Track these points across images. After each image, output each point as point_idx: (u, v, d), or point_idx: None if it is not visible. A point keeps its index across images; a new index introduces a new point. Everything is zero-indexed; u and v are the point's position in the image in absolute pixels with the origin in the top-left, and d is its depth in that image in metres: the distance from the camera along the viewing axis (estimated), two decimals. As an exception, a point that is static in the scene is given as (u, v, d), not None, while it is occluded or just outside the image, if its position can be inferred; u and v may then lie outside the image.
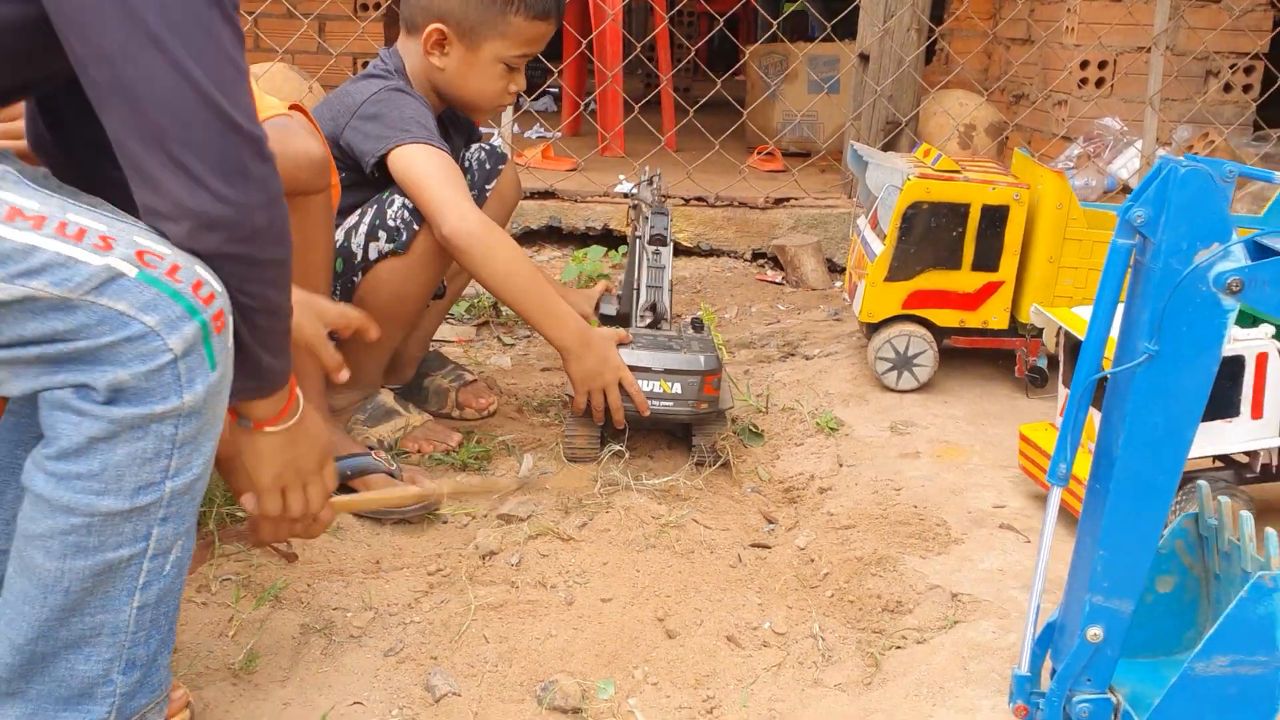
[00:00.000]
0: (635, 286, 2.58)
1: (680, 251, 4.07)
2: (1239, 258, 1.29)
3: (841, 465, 2.46)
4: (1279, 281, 1.28)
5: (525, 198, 4.00)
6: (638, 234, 2.68)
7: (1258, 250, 1.32)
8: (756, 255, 4.10)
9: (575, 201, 4.05)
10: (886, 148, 3.77)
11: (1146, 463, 1.35)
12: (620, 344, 2.30)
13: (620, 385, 2.26)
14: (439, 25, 2.34)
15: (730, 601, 1.91)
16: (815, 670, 1.73)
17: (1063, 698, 1.44)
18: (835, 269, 3.91)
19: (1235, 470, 2.08)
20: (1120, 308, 1.38)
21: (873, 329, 2.78)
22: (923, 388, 2.77)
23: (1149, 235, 1.32)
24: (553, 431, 2.54)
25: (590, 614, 1.85)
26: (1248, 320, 2.04)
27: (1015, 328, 2.72)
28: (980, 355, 2.87)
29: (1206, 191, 1.28)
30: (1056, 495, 1.42)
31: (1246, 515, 1.42)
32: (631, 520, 2.13)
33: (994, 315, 2.71)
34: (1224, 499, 1.49)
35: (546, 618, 1.84)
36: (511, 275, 2.21)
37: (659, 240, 2.53)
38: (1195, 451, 1.97)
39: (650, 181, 2.82)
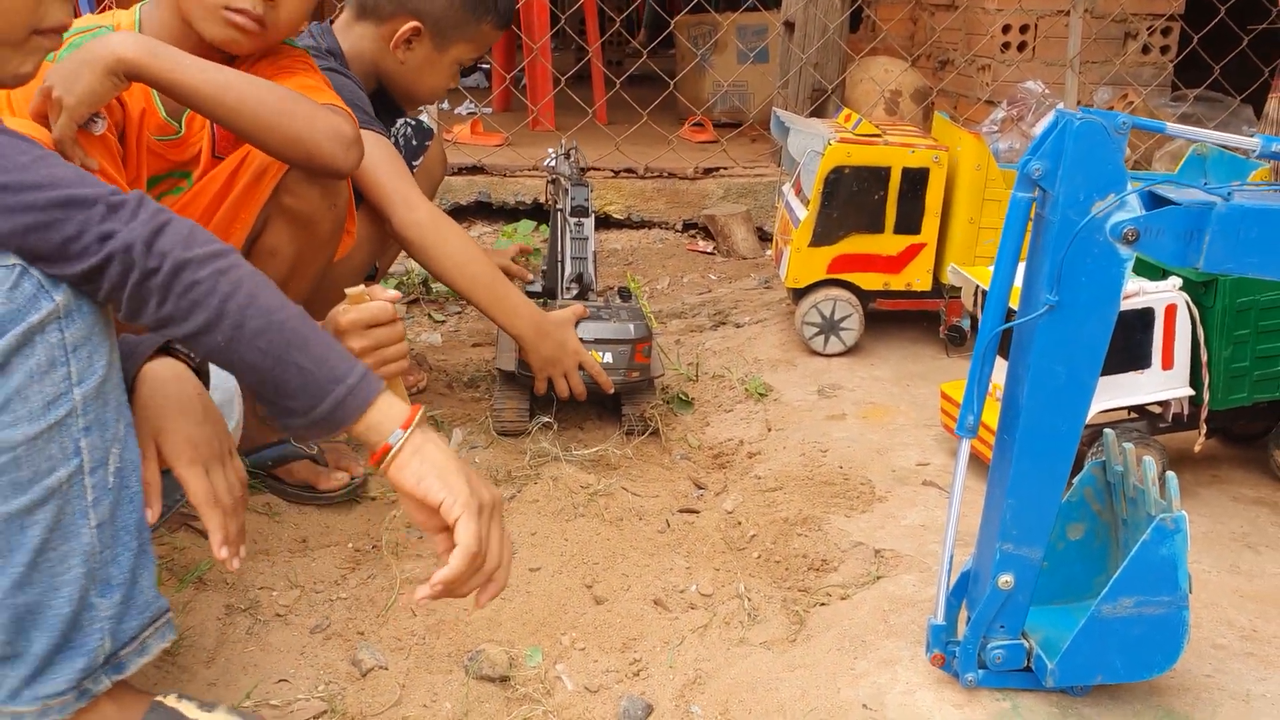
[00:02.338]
0: (559, 259, 2.57)
1: (611, 224, 4.07)
2: (1134, 208, 1.31)
3: (770, 430, 2.48)
4: (1173, 230, 1.31)
5: (454, 173, 3.97)
6: (558, 207, 2.68)
7: (1153, 200, 1.35)
8: (688, 226, 4.11)
9: (504, 176, 4.03)
10: (814, 115, 3.78)
11: (1050, 412, 1.38)
12: (580, 319, 2.30)
13: (581, 366, 2.27)
14: (416, 23, 2.32)
15: (658, 566, 1.92)
16: (741, 630, 1.75)
17: (977, 644, 1.47)
18: (766, 237, 3.93)
19: (1149, 420, 2.13)
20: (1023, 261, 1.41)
21: (799, 294, 2.80)
22: (849, 351, 2.80)
23: (1047, 188, 1.34)
24: (482, 406, 2.53)
25: (518, 584, 1.85)
26: (1158, 274, 2.08)
27: (939, 289, 2.76)
28: (905, 317, 2.91)
29: (1101, 143, 1.30)
30: (965, 447, 1.45)
31: (1149, 460, 1.46)
32: (560, 490, 2.13)
33: (917, 277, 2.74)
34: (1129, 445, 1.52)
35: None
36: (463, 266, 2.20)
37: (580, 212, 2.52)
38: (1109, 403, 2.02)
39: (567, 155, 2.81)
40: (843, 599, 1.78)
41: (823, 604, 1.80)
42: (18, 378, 1.09)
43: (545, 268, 2.86)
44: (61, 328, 1.11)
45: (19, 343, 1.09)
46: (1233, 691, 1.51)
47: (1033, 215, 1.38)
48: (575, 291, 2.50)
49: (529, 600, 1.82)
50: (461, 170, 4.02)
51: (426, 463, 1.25)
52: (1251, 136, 1.34)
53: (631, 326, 2.34)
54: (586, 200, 2.56)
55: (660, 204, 4.10)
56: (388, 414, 1.22)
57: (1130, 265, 1.32)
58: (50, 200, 1.09)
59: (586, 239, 2.53)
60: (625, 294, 2.54)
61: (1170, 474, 1.41)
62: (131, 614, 1.21)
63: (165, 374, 1.35)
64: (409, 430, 1.24)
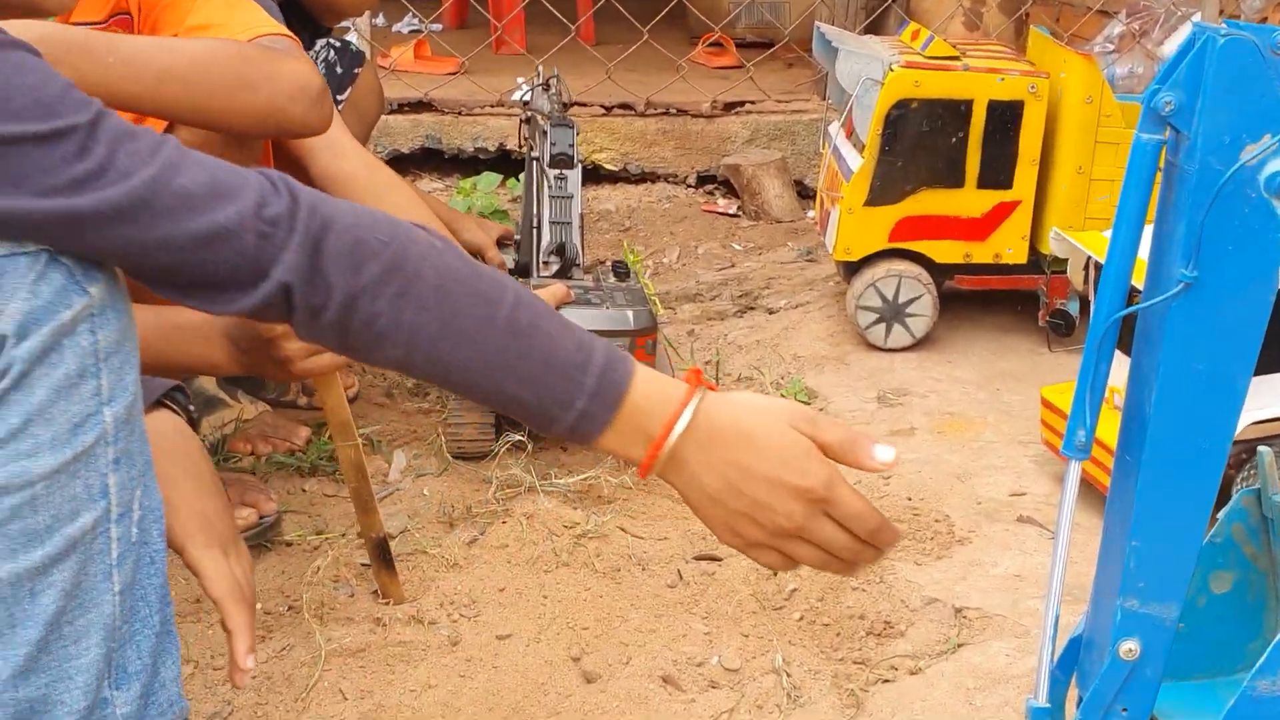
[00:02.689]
0: (535, 224, 2.58)
1: (603, 177, 4.08)
2: (1298, 153, 1.31)
3: (815, 449, 2.49)
4: (1352, 182, 1.31)
5: (393, 111, 3.98)
6: (534, 155, 2.68)
7: (1323, 143, 1.35)
8: (703, 180, 4.11)
9: (460, 114, 4.03)
10: (869, 32, 3.79)
11: (1188, 424, 1.38)
12: (562, 304, 2.31)
13: None
14: None
15: (667, 632, 1.93)
16: (779, 715, 1.76)
17: (1093, 734, 1.47)
18: (807, 194, 3.94)
19: (1319, 435, 2.13)
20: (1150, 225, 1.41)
21: (852, 270, 2.81)
22: (920, 344, 2.81)
23: (1182, 128, 1.34)
24: (433, 420, 2.54)
25: (482, 656, 1.86)
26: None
27: (1038, 262, 2.77)
28: (993, 299, 2.91)
29: (1254, 68, 1.30)
30: (1076, 470, 1.45)
31: (1323, 488, 1.46)
32: (537, 531, 2.14)
33: (1009, 246, 2.75)
34: (1291, 468, 1.53)
35: (423, 663, 1.85)
36: None
37: (563, 161, 2.53)
38: (1268, 411, 2.03)
39: (546, 86, 2.81)
40: (913, 674, 1.79)
41: (886, 680, 1.81)
42: (41, 392, 1.10)
43: (519, 236, 2.87)
44: (94, 328, 1.12)
45: (45, 347, 1.10)
46: None
47: (1163, 164, 1.38)
48: (556, 267, 2.50)
49: (497, 677, 1.83)
50: (403, 107, 4.03)
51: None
52: None
53: (630, 314, 2.34)
54: (571, 146, 2.56)
55: (667, 150, 4.11)
56: (647, 415, 1.23)
57: (1294, 229, 1.32)
58: (192, 237, 1.11)
59: (571, 197, 2.53)
60: (623, 270, 2.55)
61: (1350, 505, 1.41)
62: (152, 711, 1.21)
63: (168, 430, 1.38)
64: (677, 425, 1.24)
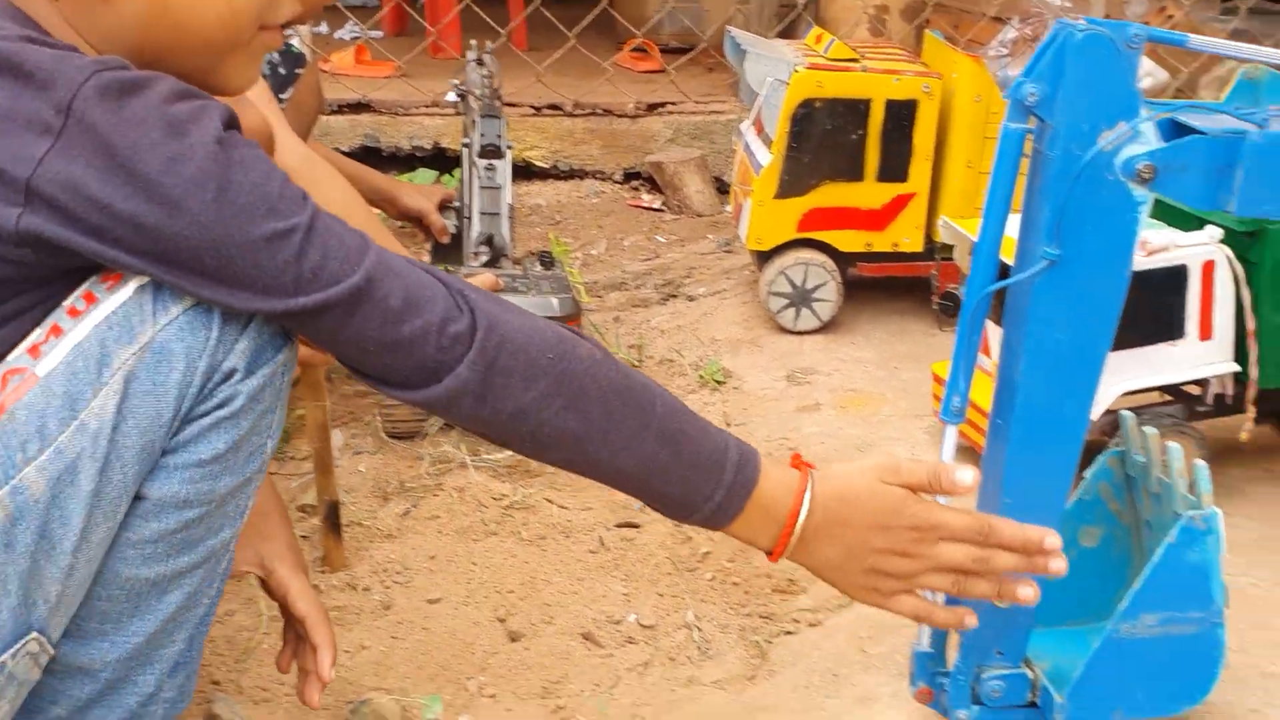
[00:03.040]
0: (466, 214, 2.58)
1: (534, 174, 4.08)
2: (1150, 139, 1.35)
3: (729, 424, 2.52)
4: (1198, 165, 1.35)
5: (334, 111, 3.96)
6: (465, 141, 2.68)
7: (1174, 130, 1.39)
8: (629, 176, 4.12)
9: (397, 115, 4.02)
10: (783, 36, 3.82)
11: (1053, 389, 1.41)
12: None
13: None
14: None
15: (588, 593, 1.95)
16: (690, 667, 1.78)
17: (970, 675, 1.50)
18: (725, 189, 3.95)
19: (1185, 403, 2.18)
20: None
21: (764, 258, 2.84)
22: (826, 327, 2.83)
23: (1045, 117, 1.37)
24: (369, 402, 2.54)
25: (413, 619, 1.87)
26: (1193, 223, 2.13)
27: (933, 249, 2.80)
28: (893, 285, 2.95)
29: (1109, 60, 1.33)
30: (952, 435, 1.48)
31: (1175, 447, 1.50)
32: (467, 504, 2.15)
33: (906, 235, 2.78)
34: (1152, 431, 1.57)
35: (357, 626, 1.85)
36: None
37: (491, 151, 2.53)
38: (1136, 382, 2.07)
39: (480, 61, 2.80)
40: (813, 626, 1.82)
41: (789, 633, 1.83)
42: (246, 423, 1.17)
43: (457, 227, 2.87)
44: (287, 370, 1.21)
45: (262, 385, 1.18)
46: (1280, 725, 1.56)
47: (1029, 150, 1.41)
48: (485, 257, 2.51)
49: (427, 638, 1.84)
50: (343, 108, 4.01)
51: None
52: (1291, 52, 1.38)
53: (555, 301, 2.36)
54: (499, 137, 2.56)
55: (594, 148, 4.11)
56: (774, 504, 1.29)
57: (1146, 209, 1.36)
58: (380, 343, 1.16)
59: (499, 188, 2.54)
60: (548, 260, 2.56)
61: (1200, 463, 1.45)
62: (182, 701, 1.28)
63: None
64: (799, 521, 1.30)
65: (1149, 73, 4.10)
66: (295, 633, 1.50)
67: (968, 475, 1.34)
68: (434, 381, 1.17)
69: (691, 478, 1.26)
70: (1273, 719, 1.58)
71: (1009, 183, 1.41)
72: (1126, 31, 1.34)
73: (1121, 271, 1.39)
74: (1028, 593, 1.36)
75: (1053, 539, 1.35)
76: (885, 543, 1.32)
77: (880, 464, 1.34)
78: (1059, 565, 1.35)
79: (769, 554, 1.31)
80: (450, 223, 2.80)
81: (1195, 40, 1.39)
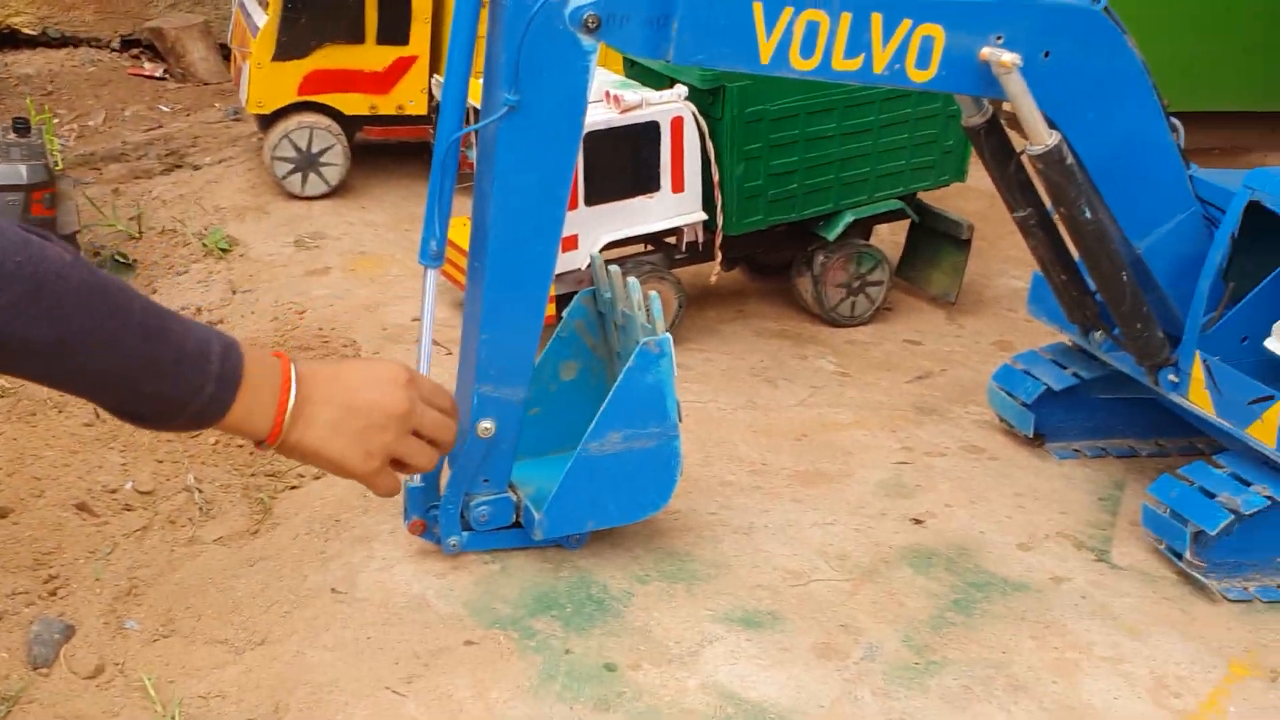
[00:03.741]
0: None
1: (20, 41, 3.80)
2: (595, -9, 1.43)
3: (235, 292, 2.48)
4: (639, 16, 1.44)
5: None
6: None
7: (619, -17, 1.48)
8: (128, 44, 3.91)
9: None
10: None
11: (522, 229, 1.49)
12: None
13: None
14: None
15: (82, 465, 1.89)
16: (191, 528, 1.77)
17: (459, 504, 1.59)
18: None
19: (664, 251, 2.35)
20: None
21: (266, 123, 2.78)
22: (335, 191, 2.83)
23: (500, -33, 1.43)
24: None
25: (-114, 504, 1.76)
26: (665, 82, 2.27)
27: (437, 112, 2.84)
28: (402, 149, 2.97)
29: (555, -85, 1.40)
30: (433, 276, 1.54)
31: (634, 282, 1.62)
32: (-53, 384, 2.03)
33: (410, 98, 2.80)
34: (615, 269, 1.69)
35: None
36: None
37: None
38: (618, 233, 2.21)
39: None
40: (316, 479, 1.85)
41: (293, 487, 1.86)
42: None
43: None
44: None
45: None
46: (736, 526, 1.75)
47: (486, 2, 1.46)
48: (-47, 124, 2.33)
49: (-98, 523, 1.73)
50: None
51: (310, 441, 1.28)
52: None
53: (24, 169, 2.23)
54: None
55: (88, 14, 3.87)
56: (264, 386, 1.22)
57: (594, 57, 1.45)
58: None
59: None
60: (23, 127, 2.41)
61: (654, 294, 1.58)
62: None
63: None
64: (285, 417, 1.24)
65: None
66: None
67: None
68: None
69: (182, 371, 1.23)
70: (728, 519, 1.76)
71: (469, 33, 1.46)
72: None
73: (577, 115, 1.48)
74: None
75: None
76: (378, 393, 1.35)
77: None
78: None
79: (266, 438, 1.30)
80: None
81: (633, -103, 1.48)
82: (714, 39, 1.47)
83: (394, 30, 2.73)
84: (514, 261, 1.51)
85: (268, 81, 2.70)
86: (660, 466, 1.61)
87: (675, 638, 1.53)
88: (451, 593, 1.57)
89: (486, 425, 1.56)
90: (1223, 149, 3.66)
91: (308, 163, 2.77)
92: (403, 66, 2.77)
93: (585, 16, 1.42)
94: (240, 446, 1.98)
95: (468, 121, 1.50)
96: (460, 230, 1.97)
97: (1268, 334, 1.69)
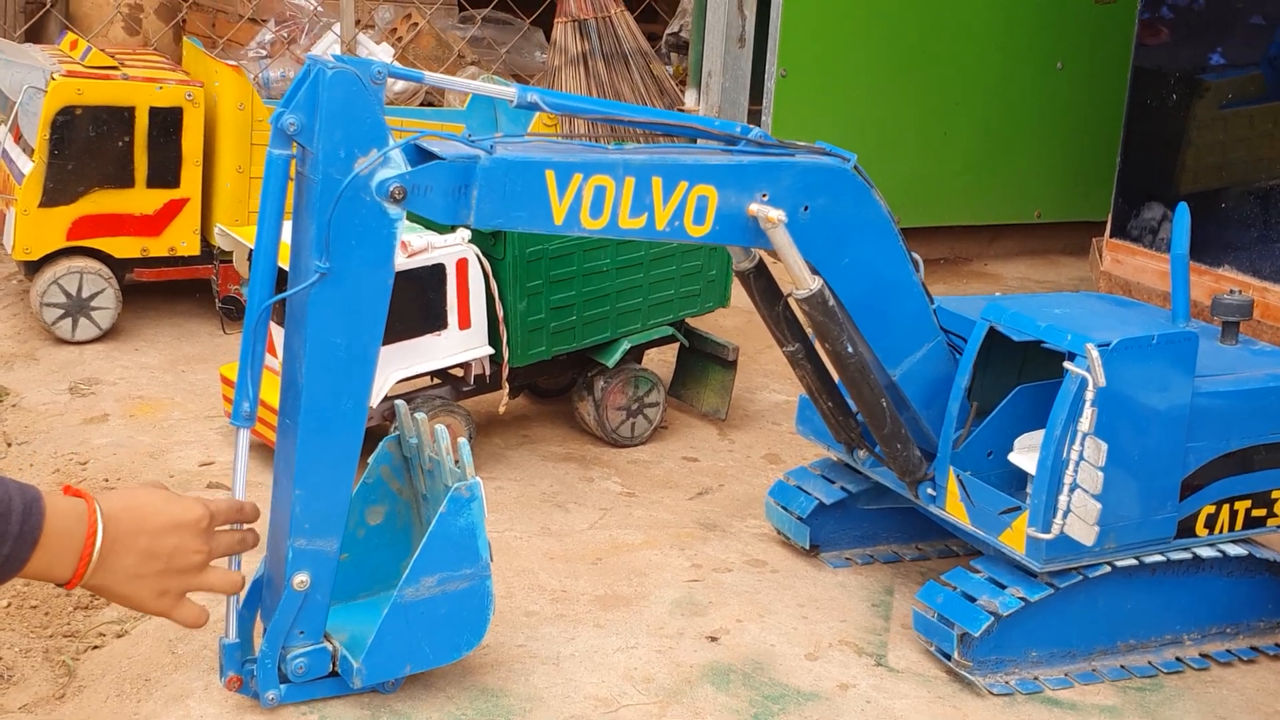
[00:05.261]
0: None
1: None
2: (399, 164, 1.53)
3: (10, 444, 2.43)
4: (441, 187, 1.54)
5: None
6: None
7: (419, 155, 1.58)
8: None
9: None
10: (30, 37, 3.66)
11: (333, 388, 1.55)
12: None
13: None
14: None
15: None
16: (-8, 697, 1.74)
17: (276, 657, 1.62)
18: None
19: (452, 385, 2.43)
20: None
21: (34, 268, 2.75)
22: (107, 335, 2.81)
23: (306, 144, 1.51)
24: None
25: None
26: (447, 226, 2.37)
27: (210, 253, 2.86)
28: (174, 289, 2.97)
29: (358, 95, 1.49)
30: (244, 437, 1.59)
31: (441, 428, 1.70)
32: None
33: (182, 240, 2.82)
34: (421, 415, 1.76)
35: None
36: None
37: None
38: (408, 370, 2.28)
39: None
40: (120, 636, 1.84)
41: (96, 647, 1.84)
42: None
43: None
44: None
45: None
46: (544, 656, 1.83)
47: (294, 173, 1.54)
48: None
49: None
50: None
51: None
52: (510, 86, 1.62)
53: None
54: None
55: None
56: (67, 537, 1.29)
57: (401, 225, 1.54)
58: None
59: None
60: None
61: (463, 440, 1.66)
62: None
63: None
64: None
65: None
66: None
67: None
68: None
69: None
70: (536, 650, 1.84)
71: (279, 202, 1.53)
72: (371, 69, 1.50)
73: (385, 279, 1.56)
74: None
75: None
76: (178, 539, 1.41)
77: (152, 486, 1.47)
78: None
79: (67, 583, 1.32)
80: None
81: (430, 77, 1.59)
82: (511, 205, 1.58)
83: (164, 173, 2.76)
84: (326, 419, 1.57)
85: (35, 228, 2.68)
86: (474, 607, 1.68)
87: (496, 771, 1.60)
88: (273, 746, 1.60)
89: (302, 579, 1.60)
90: (948, 260, 3.99)
91: (78, 307, 2.75)
92: (174, 209, 2.79)
93: (392, 189, 1.51)
94: (34, 608, 1.95)
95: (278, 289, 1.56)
96: (264, 384, 2.01)
97: (1009, 448, 1.89)
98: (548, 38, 4.60)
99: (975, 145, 3.86)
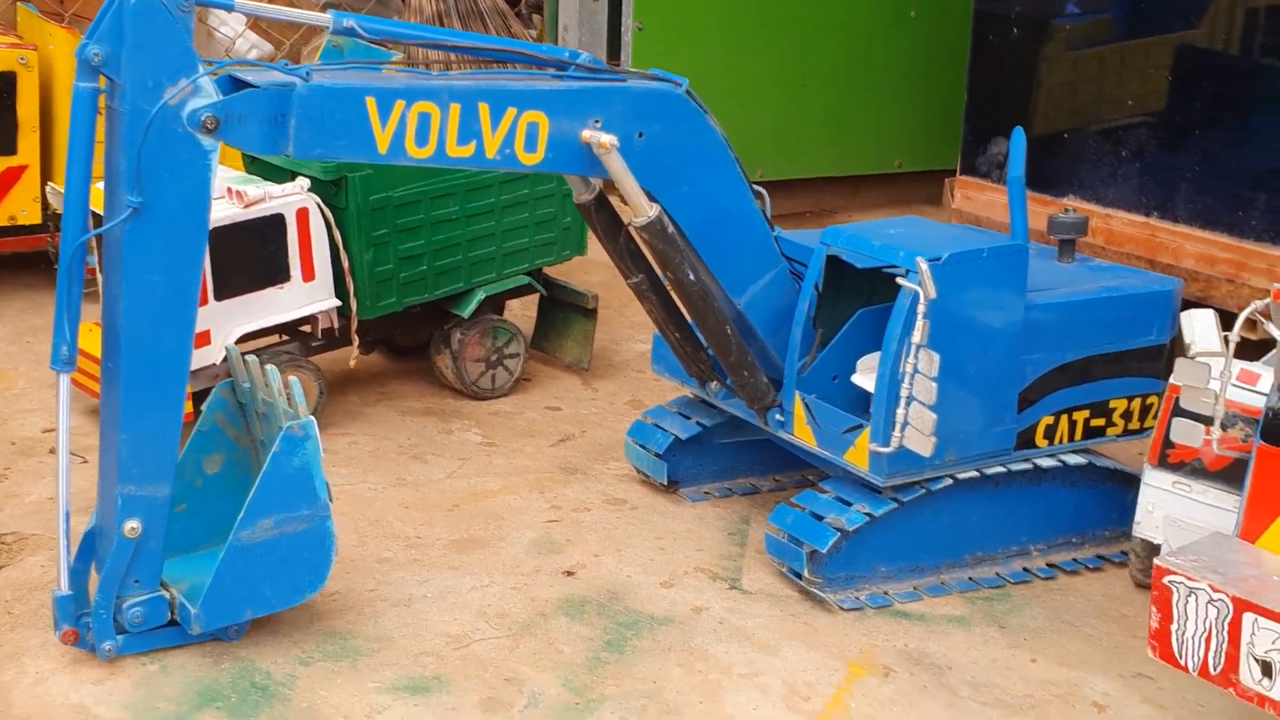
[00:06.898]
0: None
1: None
2: (211, 93, 1.48)
3: None
4: (256, 115, 1.50)
5: None
6: None
7: (233, 85, 1.53)
8: None
9: None
10: None
11: (154, 328, 1.51)
12: None
13: None
14: None
15: None
16: None
17: (111, 607, 1.57)
18: None
19: (301, 340, 2.38)
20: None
21: None
22: (-53, 309, 2.72)
23: (113, 76, 1.46)
24: None
25: None
26: (287, 175, 2.31)
27: (52, 221, 2.77)
28: (20, 260, 2.88)
29: (164, 23, 1.44)
30: (65, 381, 1.53)
31: (273, 370, 1.66)
32: None
33: (22, 208, 2.73)
34: (252, 358, 1.72)
35: None
36: None
37: None
38: (252, 324, 2.23)
39: None
40: (-49, 603, 1.78)
41: (-73, 615, 1.78)
42: None
43: None
44: None
45: None
46: (395, 599, 1.80)
47: (104, 107, 1.49)
48: None
49: None
50: None
51: None
52: (328, 10, 1.57)
53: None
54: None
55: None
56: None
57: (215, 155, 1.49)
58: None
59: None
60: None
61: (294, 379, 1.63)
62: None
63: None
64: None
65: (254, 45, 4.30)
66: None
67: None
68: None
69: None
70: (387, 594, 1.81)
71: (87, 138, 1.48)
72: (177, -3, 1.46)
73: (201, 212, 1.51)
74: None
75: None
76: None
77: None
78: None
79: None
80: None
81: (241, 5, 1.54)
82: (330, 133, 1.54)
83: (1, 140, 2.66)
84: (149, 360, 1.52)
85: None
86: (314, 548, 1.64)
87: (344, 713, 1.56)
88: (111, 697, 1.55)
89: (133, 525, 1.55)
90: (813, 212, 4.00)
91: (-86, 281, 2.64)
92: (12, 176, 2.70)
93: (204, 118, 1.47)
94: None
95: (91, 226, 1.51)
96: (89, 337, 1.96)
97: (853, 371, 1.90)
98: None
99: (833, 95, 3.88)
